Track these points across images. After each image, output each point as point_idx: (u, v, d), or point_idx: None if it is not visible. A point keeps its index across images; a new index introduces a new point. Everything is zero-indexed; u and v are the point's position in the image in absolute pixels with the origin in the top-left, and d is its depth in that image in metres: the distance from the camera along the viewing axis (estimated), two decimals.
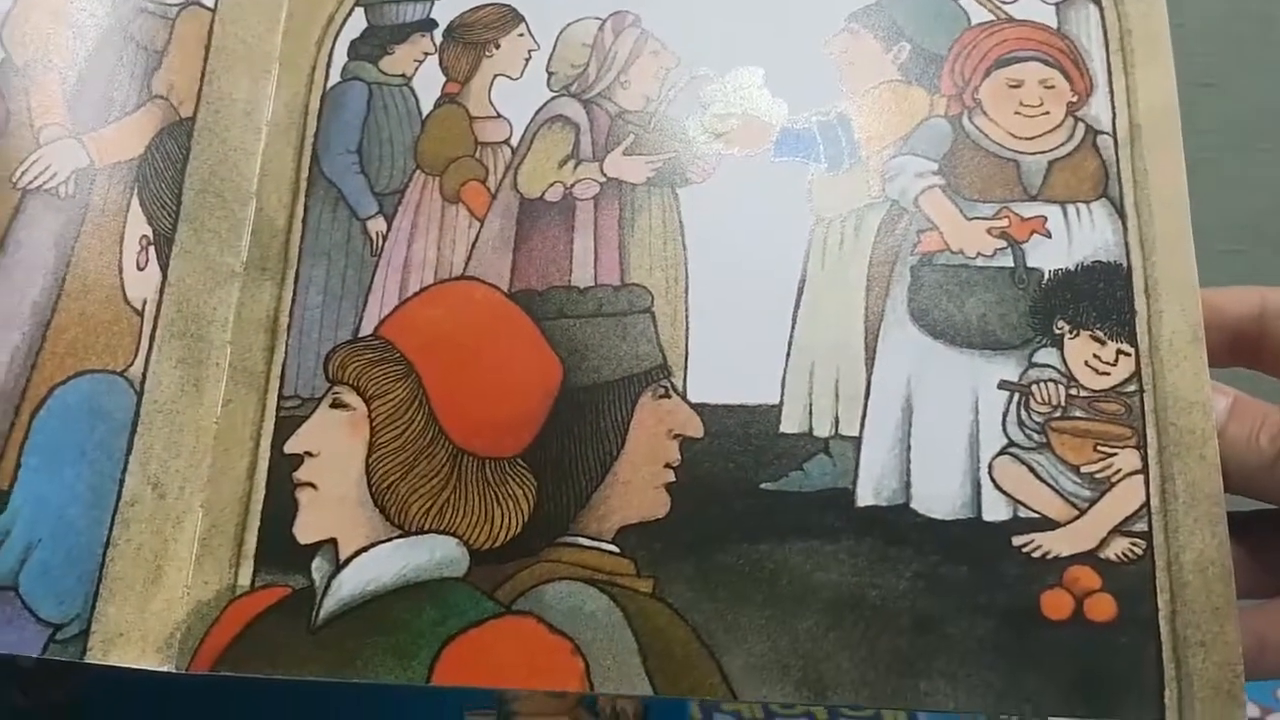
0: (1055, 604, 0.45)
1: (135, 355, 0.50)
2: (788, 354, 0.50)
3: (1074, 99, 0.54)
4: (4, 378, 0.47)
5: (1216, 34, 0.93)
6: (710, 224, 0.53)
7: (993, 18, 0.56)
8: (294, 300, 0.54)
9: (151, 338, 0.51)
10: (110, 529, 0.48)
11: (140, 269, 0.51)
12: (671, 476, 0.49)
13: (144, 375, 0.50)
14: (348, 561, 0.49)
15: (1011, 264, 0.51)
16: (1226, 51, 0.93)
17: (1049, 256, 0.51)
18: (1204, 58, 0.92)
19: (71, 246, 0.49)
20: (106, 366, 0.49)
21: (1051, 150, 0.53)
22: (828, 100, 0.55)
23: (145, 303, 0.51)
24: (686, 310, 0.52)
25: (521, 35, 0.57)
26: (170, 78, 0.54)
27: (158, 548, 0.49)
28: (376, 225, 0.55)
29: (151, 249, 0.52)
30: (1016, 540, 0.46)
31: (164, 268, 0.52)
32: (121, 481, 0.48)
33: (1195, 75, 0.89)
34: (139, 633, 0.47)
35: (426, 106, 0.57)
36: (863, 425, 0.49)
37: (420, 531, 0.49)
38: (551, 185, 0.55)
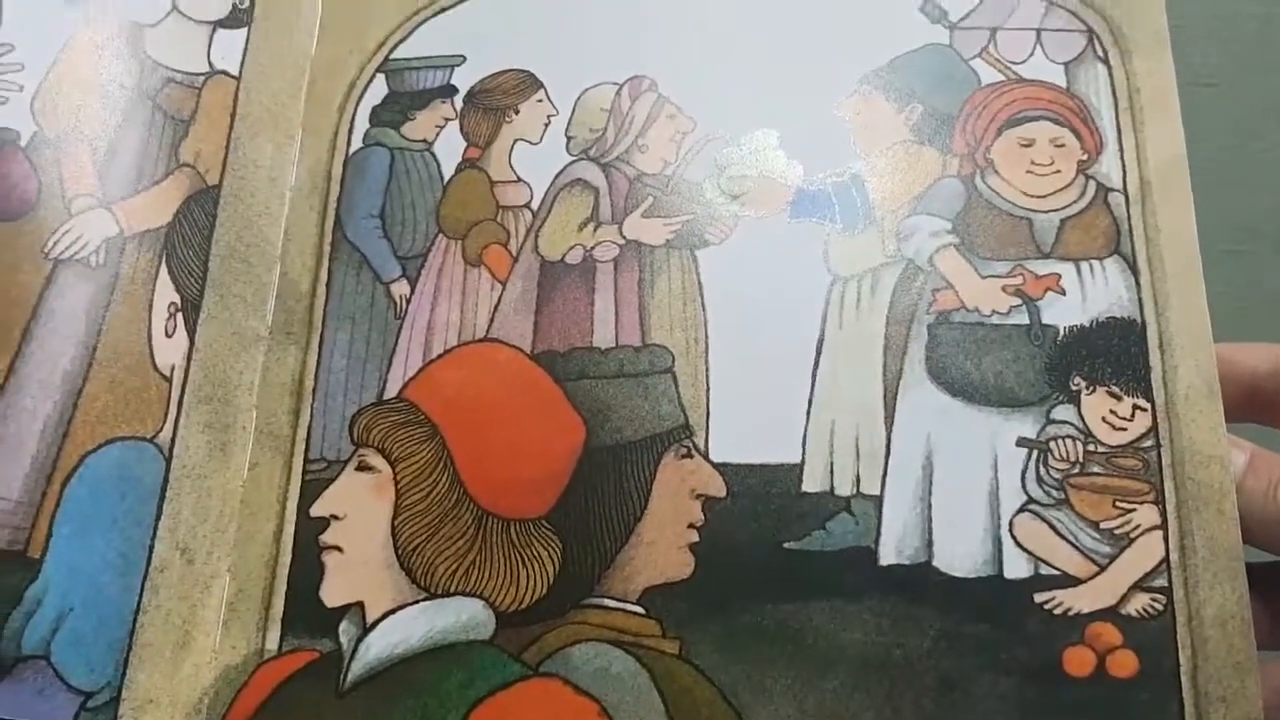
0: (1078, 661, 0.46)
1: (164, 421, 0.51)
2: (808, 413, 0.51)
3: (1084, 157, 0.55)
4: (36, 447, 0.48)
5: (1216, 34, 0.94)
6: (729, 285, 0.54)
7: (1003, 78, 0.57)
8: (319, 364, 0.55)
9: (179, 403, 0.52)
10: (140, 596, 0.48)
11: (169, 336, 0.52)
12: (695, 537, 0.50)
13: (172, 441, 0.51)
14: (375, 624, 0.50)
15: (1027, 321, 0.52)
16: (1226, 51, 0.94)
17: (1064, 313, 0.52)
18: (1204, 58, 0.92)
19: (102, 315, 0.50)
20: (136, 433, 0.50)
21: (1064, 208, 0.54)
22: (842, 161, 0.56)
23: (174, 369, 0.52)
24: (707, 370, 0.52)
25: (540, 100, 0.58)
26: (197, 145, 0.55)
27: (186, 613, 0.50)
28: (400, 288, 0.56)
29: (179, 316, 0.53)
30: (1038, 597, 0.47)
31: (191, 334, 0.53)
32: (151, 548, 0.49)
33: (1195, 75, 0.90)
34: (168, 699, 0.48)
35: (448, 171, 0.58)
36: (884, 484, 0.50)
37: (447, 594, 0.50)
38: (572, 248, 0.56)
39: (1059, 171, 0.55)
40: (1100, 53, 0.57)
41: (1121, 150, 0.55)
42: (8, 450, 0.47)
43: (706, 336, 0.53)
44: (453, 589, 0.50)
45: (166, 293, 0.53)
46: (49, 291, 0.49)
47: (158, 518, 0.50)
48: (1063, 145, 0.55)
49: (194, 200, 0.54)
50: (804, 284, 0.53)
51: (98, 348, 0.50)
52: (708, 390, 0.52)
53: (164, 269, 0.53)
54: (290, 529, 0.52)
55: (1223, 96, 0.93)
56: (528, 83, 0.59)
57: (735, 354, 0.52)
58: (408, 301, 0.56)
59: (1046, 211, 0.54)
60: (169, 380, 0.52)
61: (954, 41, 0.58)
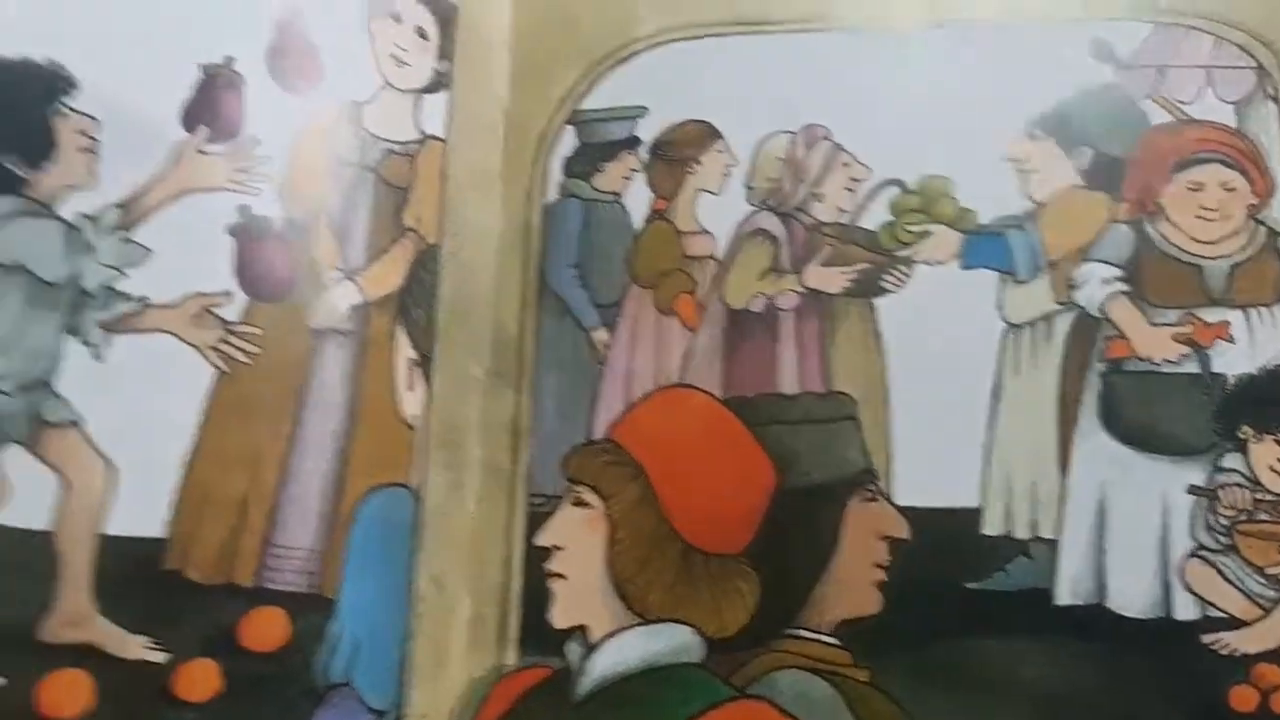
0: (1242, 699, 0.50)
1: (412, 466, 0.58)
2: (986, 459, 0.55)
3: (1254, 201, 0.57)
4: (320, 504, 0.56)
5: None
6: (907, 333, 0.58)
7: (1172, 119, 0.59)
8: (533, 405, 0.61)
9: (423, 449, 0.59)
10: (407, 623, 0.56)
11: (410, 389, 0.59)
12: (882, 575, 0.55)
13: (420, 483, 0.58)
14: (598, 645, 0.57)
15: (1197, 370, 0.55)
16: None
17: (1233, 361, 0.55)
18: None
19: (357, 378, 0.57)
20: (393, 480, 0.57)
21: (1233, 254, 0.56)
22: (1014, 208, 0.59)
23: (416, 418, 0.59)
24: (888, 416, 0.57)
25: (720, 151, 0.62)
26: (417, 210, 0.61)
27: (441, 636, 0.57)
28: (600, 336, 0.62)
29: (417, 370, 0.59)
30: (1205, 638, 0.51)
31: (428, 384, 0.60)
32: (411, 580, 0.56)
33: None
34: (435, 712, 0.56)
35: (637, 221, 0.63)
36: (1059, 528, 0.54)
37: (659, 620, 0.56)
38: (755, 296, 0.60)
39: (1229, 217, 0.57)
40: (1271, 91, 0.58)
41: None
42: (298, 508, 0.55)
43: (886, 384, 0.57)
44: (664, 616, 0.56)
45: (405, 350, 0.59)
46: (315, 363, 0.57)
47: (414, 553, 0.57)
48: (1233, 189, 0.57)
49: (419, 262, 0.61)
50: (979, 331, 0.57)
51: (357, 408, 0.57)
52: (889, 436, 0.56)
53: (400, 329, 0.59)
54: (519, 557, 0.59)
55: None
56: (708, 134, 0.63)
57: (914, 401, 0.57)
58: (607, 348, 0.61)
59: (1215, 258, 0.56)
60: (413, 429, 0.59)
61: (1122, 82, 0.60)
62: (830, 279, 0.59)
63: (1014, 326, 0.56)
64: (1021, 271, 0.57)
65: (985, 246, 0.58)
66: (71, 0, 0.54)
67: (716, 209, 0.62)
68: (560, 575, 0.59)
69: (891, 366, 0.58)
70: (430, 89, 0.61)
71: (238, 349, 0.55)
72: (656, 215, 0.63)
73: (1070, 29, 0.59)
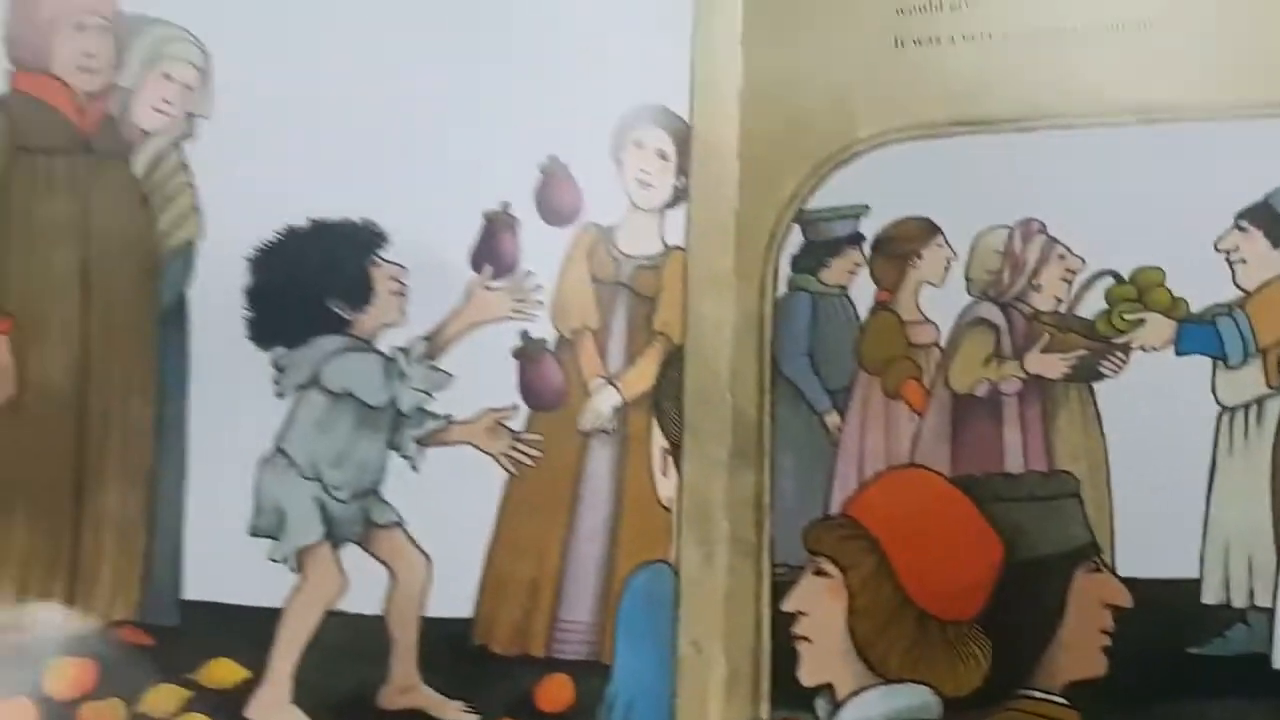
0: None
1: (669, 544, 0.66)
2: (1204, 534, 0.60)
3: None
4: (595, 583, 0.65)
5: None
6: (1125, 415, 0.63)
7: None
8: (772, 484, 0.68)
9: (678, 527, 0.67)
10: (672, 683, 0.65)
11: (664, 474, 0.67)
12: (1107, 640, 0.60)
13: (677, 558, 0.66)
14: (844, 702, 0.64)
15: None
16: None
17: None
18: None
19: (621, 470, 0.66)
20: (654, 557, 0.66)
21: None
22: (1224, 295, 0.62)
23: (670, 500, 0.67)
24: (1110, 494, 0.62)
25: (940, 245, 0.68)
26: (664, 315, 0.69)
27: (701, 693, 0.66)
28: (833, 419, 0.68)
29: (669, 456, 0.68)
30: None
31: (679, 469, 0.68)
32: (674, 645, 0.65)
33: None
34: None
35: (863, 312, 0.69)
36: (1275, 598, 0.58)
37: (899, 680, 0.63)
38: (979, 381, 0.66)
39: None
40: None
41: None
42: (578, 587, 0.64)
43: (1108, 464, 0.62)
44: (904, 676, 0.63)
45: (659, 440, 0.68)
46: (585, 459, 0.66)
47: (675, 620, 0.66)
48: None
49: (668, 362, 0.69)
50: (1194, 413, 0.61)
51: (622, 496, 0.66)
52: (1111, 513, 0.62)
53: (655, 422, 0.68)
54: (767, 621, 0.67)
55: None
56: (928, 229, 0.69)
57: (1134, 479, 0.62)
58: (840, 430, 0.68)
59: None
60: (669, 510, 0.67)
61: None
62: (1050, 365, 0.64)
63: (1227, 409, 0.60)
64: (1232, 358, 0.61)
65: (1197, 333, 0.62)
66: (376, 161, 0.63)
67: (938, 299, 0.68)
68: (805, 638, 0.66)
69: (1112, 447, 0.62)
70: (671, 204, 0.68)
71: (524, 454, 0.64)
72: (881, 306, 0.69)
73: (1276, 124, 0.62)
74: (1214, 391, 0.61)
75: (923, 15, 0.71)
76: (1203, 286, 0.63)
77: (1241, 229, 0.63)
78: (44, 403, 0.57)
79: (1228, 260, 0.63)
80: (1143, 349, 0.63)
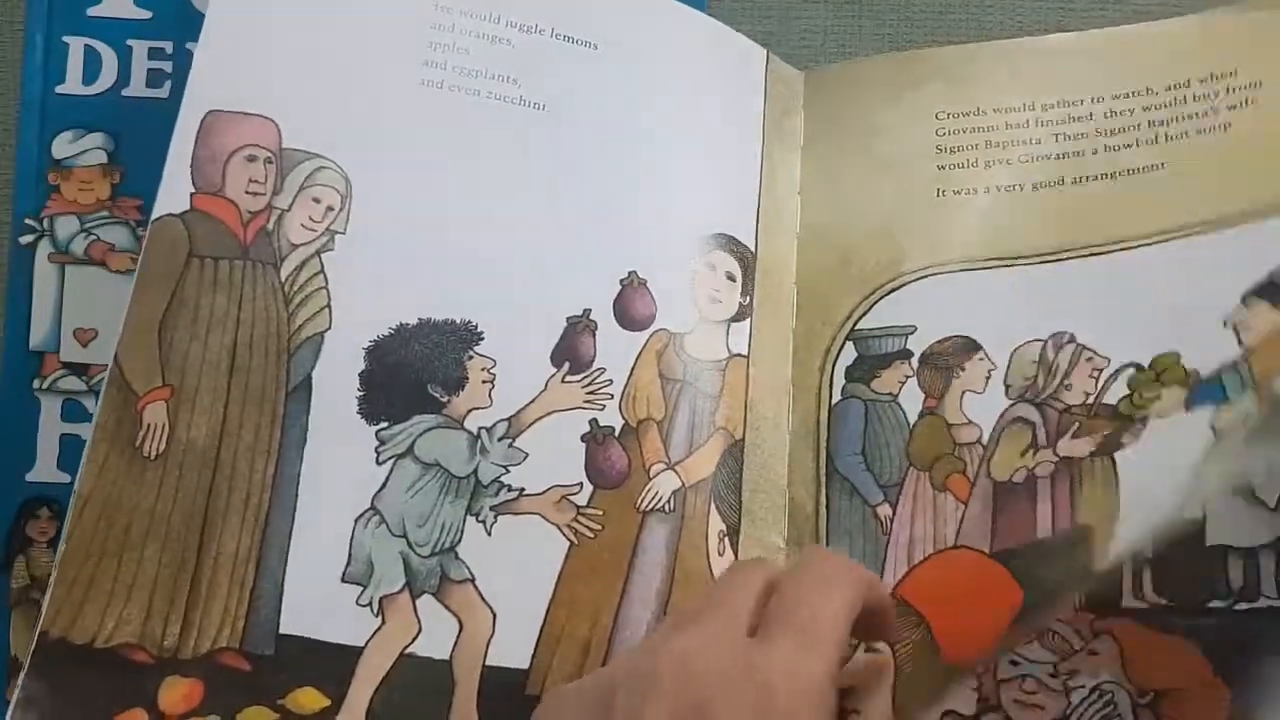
0: None
1: None
2: None
3: None
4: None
5: None
6: (1142, 479, 0.66)
7: None
8: None
9: None
10: None
11: (720, 555, 0.72)
12: None
13: None
14: None
15: None
16: None
17: None
18: None
19: (676, 548, 0.72)
20: None
21: None
22: (1229, 356, 0.66)
23: None
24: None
25: (981, 359, 0.74)
26: (726, 412, 0.76)
27: None
28: (884, 511, 0.73)
29: (727, 539, 0.73)
30: None
31: (735, 551, 0.73)
32: None
33: None
34: None
35: (912, 417, 0.75)
36: None
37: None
38: (1016, 470, 0.70)
39: None
40: None
41: None
42: (628, 649, 0.69)
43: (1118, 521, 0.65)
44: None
45: (716, 523, 0.73)
46: (642, 534, 0.72)
47: None
48: None
49: (728, 453, 0.75)
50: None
51: (675, 571, 0.71)
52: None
53: (712, 507, 0.73)
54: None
55: None
56: (969, 345, 0.75)
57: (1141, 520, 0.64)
58: (891, 521, 0.72)
59: None
60: None
61: None
62: (1079, 447, 0.69)
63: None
64: (1233, 396, 0.64)
65: (1206, 391, 0.66)
66: (478, 272, 0.74)
67: (980, 403, 0.74)
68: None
69: (1123, 504, 0.66)
70: (736, 319, 0.77)
71: (586, 527, 0.71)
72: (928, 411, 0.75)
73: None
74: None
75: (961, 171, 0.81)
76: (1210, 354, 0.67)
77: (1248, 304, 0.67)
78: (186, 457, 0.67)
79: (1236, 340, 0.67)
80: (1159, 416, 0.67)
